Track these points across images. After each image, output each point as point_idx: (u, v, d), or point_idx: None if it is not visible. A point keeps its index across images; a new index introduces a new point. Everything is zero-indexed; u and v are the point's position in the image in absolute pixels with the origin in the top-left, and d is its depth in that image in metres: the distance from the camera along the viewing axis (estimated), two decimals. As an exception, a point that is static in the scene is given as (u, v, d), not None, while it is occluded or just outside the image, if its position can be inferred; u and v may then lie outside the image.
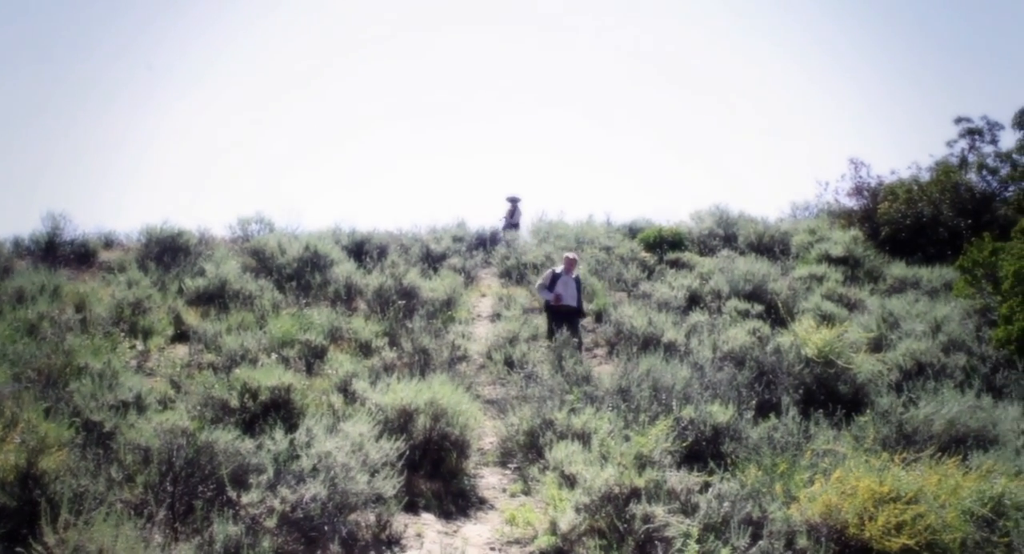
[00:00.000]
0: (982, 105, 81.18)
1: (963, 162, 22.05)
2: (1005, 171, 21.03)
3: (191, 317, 13.62)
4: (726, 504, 7.10)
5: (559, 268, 14.71)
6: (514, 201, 24.68)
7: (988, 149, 21.99)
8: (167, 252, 18.21)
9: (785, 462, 7.90)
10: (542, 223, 24.79)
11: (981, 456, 8.09)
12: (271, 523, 6.08)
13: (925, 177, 21.83)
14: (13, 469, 5.72)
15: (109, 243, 20.21)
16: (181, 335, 12.94)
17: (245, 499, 6.20)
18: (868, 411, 9.84)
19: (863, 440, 8.67)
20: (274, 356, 10.92)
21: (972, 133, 22.32)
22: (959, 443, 8.79)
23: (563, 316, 14.20)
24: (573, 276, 14.57)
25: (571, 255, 14.89)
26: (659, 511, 6.99)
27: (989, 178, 21.26)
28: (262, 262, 17.63)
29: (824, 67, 77.97)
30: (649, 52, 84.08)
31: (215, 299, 14.56)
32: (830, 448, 8.26)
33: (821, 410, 9.67)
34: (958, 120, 22.50)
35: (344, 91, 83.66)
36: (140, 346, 11.78)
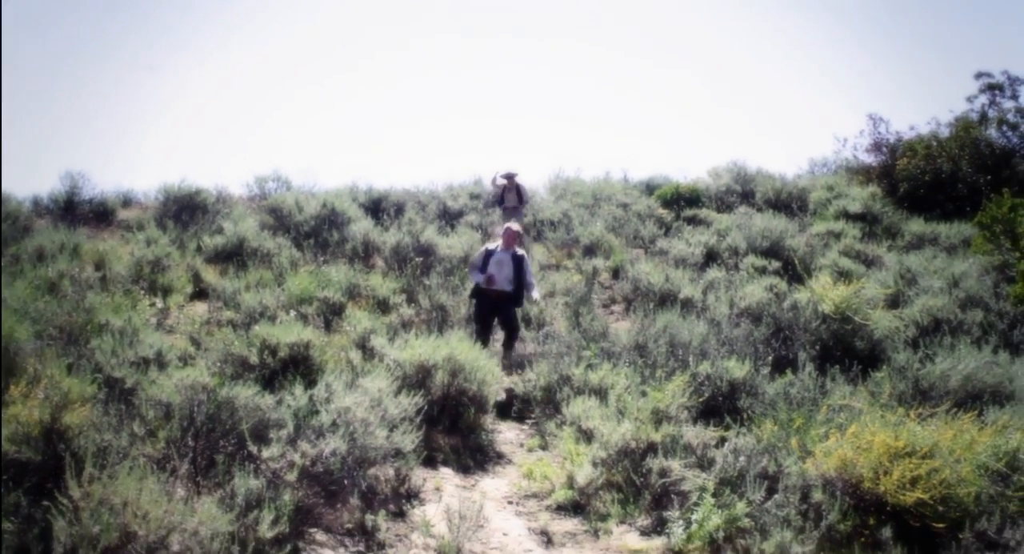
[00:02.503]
0: (1003, 60, 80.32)
1: (983, 118, 21.83)
2: (1025, 127, 20.86)
3: (210, 275, 13.69)
4: (742, 458, 7.14)
5: (494, 244, 12.31)
6: (509, 177, 19.66)
7: (1009, 104, 21.75)
8: (185, 210, 18.26)
9: (801, 417, 7.93)
10: (559, 180, 24.72)
11: (997, 411, 8.08)
12: (291, 477, 6.14)
13: (944, 133, 21.66)
14: (37, 424, 5.79)
15: (127, 202, 20.28)
16: (200, 293, 13.02)
17: (266, 453, 6.26)
18: (884, 367, 9.85)
19: (879, 395, 8.68)
20: (292, 313, 10.99)
21: (992, 88, 22.06)
22: (975, 399, 8.78)
23: (492, 303, 11.84)
24: (511, 253, 12.02)
25: (513, 226, 12.47)
26: (675, 465, 7.05)
27: (1009, 134, 21.08)
28: (280, 220, 17.67)
29: (843, 22, 77.18)
30: (667, 9, 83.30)
31: (233, 257, 14.62)
32: (846, 403, 8.27)
33: (837, 366, 9.68)
34: (978, 75, 22.24)
35: (362, 48, 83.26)
36: (160, 304, 11.85)
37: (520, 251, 12.16)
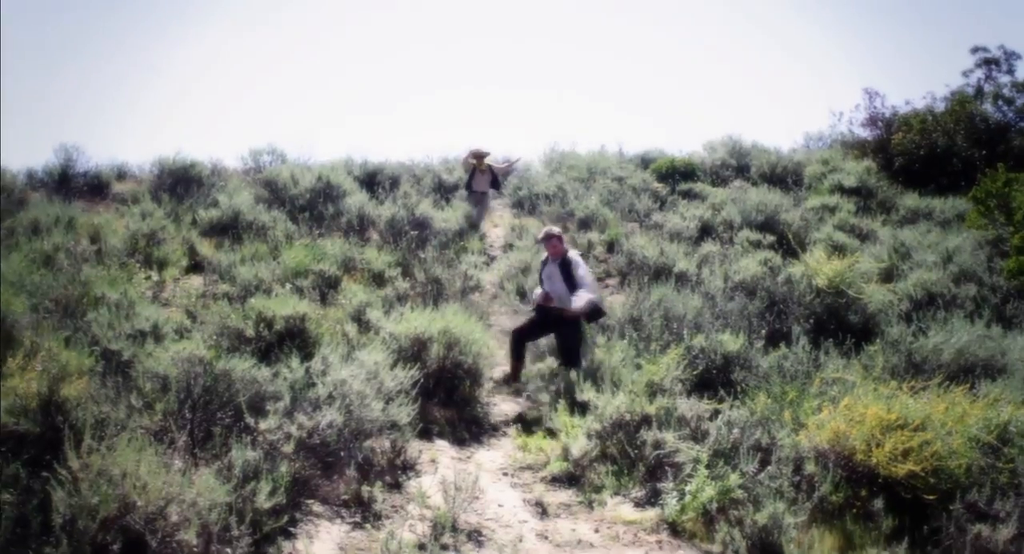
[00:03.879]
0: (1000, 35, 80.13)
1: (979, 92, 21.86)
2: (1021, 101, 20.89)
3: (205, 248, 13.68)
4: (735, 431, 7.19)
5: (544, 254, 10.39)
6: (479, 157, 17.88)
7: (1005, 79, 21.81)
8: (180, 183, 18.22)
9: (794, 390, 7.99)
10: (554, 153, 24.71)
11: (989, 385, 8.15)
12: (288, 449, 6.19)
13: (940, 108, 21.68)
14: (35, 396, 5.81)
15: (122, 175, 20.24)
16: (196, 266, 13.02)
17: (263, 425, 6.30)
18: (878, 340, 9.91)
19: (872, 369, 8.73)
20: (288, 286, 10.99)
21: (988, 63, 22.08)
22: (967, 372, 8.86)
23: (548, 321, 9.88)
24: (560, 261, 9.92)
25: (553, 230, 10.18)
26: (669, 437, 7.10)
27: (1005, 108, 21.11)
28: (275, 193, 17.64)
29: (840, -5, 76.87)
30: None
31: (229, 230, 14.60)
32: (839, 376, 8.33)
33: (831, 339, 9.75)
34: (975, 50, 22.26)
35: (357, 19, 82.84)
36: (155, 277, 11.85)
37: (571, 254, 9.96)
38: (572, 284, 9.60)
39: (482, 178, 17.99)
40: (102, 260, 11.83)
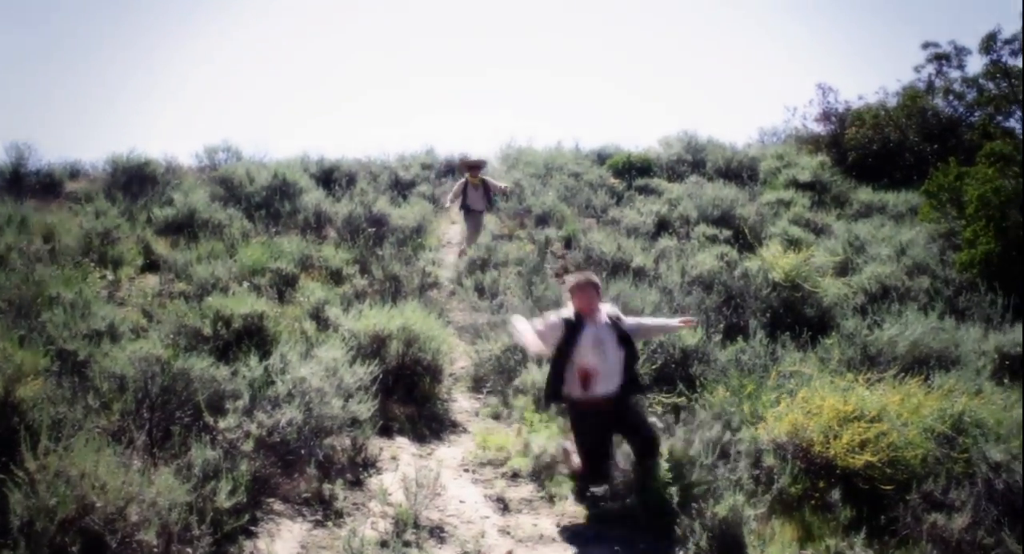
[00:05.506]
0: (951, 30, 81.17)
1: (930, 87, 22.14)
2: (971, 96, 21.17)
3: (161, 247, 13.56)
4: (695, 424, 7.25)
5: (568, 310, 6.95)
6: (474, 168, 15.82)
7: (955, 74, 22.08)
8: (134, 182, 18.04)
9: (752, 383, 8.06)
10: (511, 149, 24.71)
11: (943, 376, 8.26)
12: (248, 447, 6.15)
13: (892, 102, 21.97)
14: (-10, 397, 5.74)
15: (75, 173, 20.04)
16: (151, 265, 12.88)
17: (222, 424, 6.25)
18: (834, 333, 10.02)
19: (828, 361, 8.84)
20: (245, 284, 10.91)
21: (939, 58, 22.34)
22: (922, 364, 8.97)
23: (604, 415, 6.67)
24: (609, 319, 6.80)
25: (590, 278, 7.05)
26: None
27: (955, 103, 21.41)
28: (230, 191, 17.52)
29: (793, -9, 77.47)
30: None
31: (184, 228, 14.48)
32: (796, 369, 8.40)
33: (788, 333, 9.83)
34: (925, 45, 22.51)
35: (310, 18, 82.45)
36: (110, 276, 11.71)
37: (612, 311, 6.96)
38: (634, 359, 6.96)
39: (476, 195, 15.38)
40: (56, 259, 11.69)
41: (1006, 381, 8.57)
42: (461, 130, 70.95)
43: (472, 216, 15.53)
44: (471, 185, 15.35)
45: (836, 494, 6.41)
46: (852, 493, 6.47)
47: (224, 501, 5.38)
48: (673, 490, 6.40)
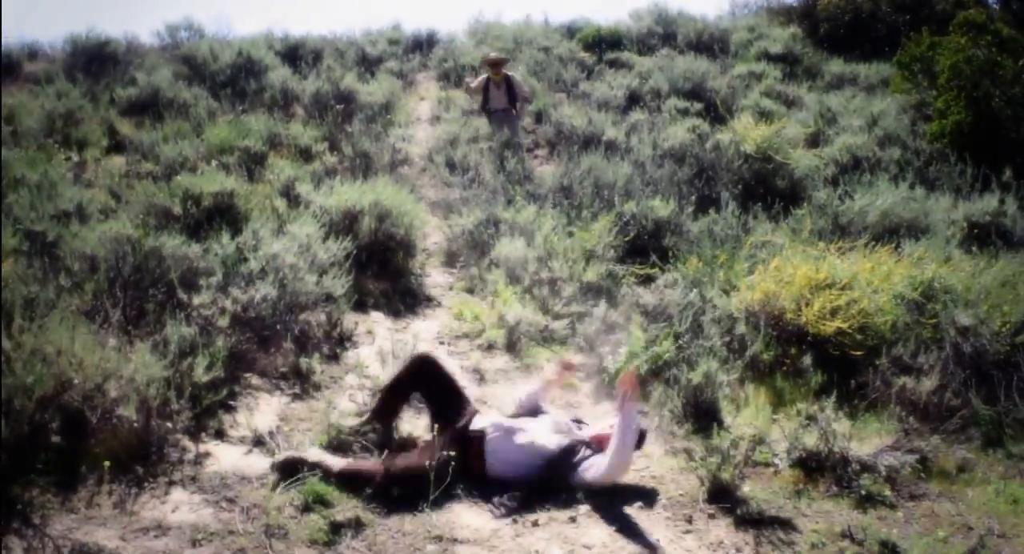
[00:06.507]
0: None
1: (902, -44, 21.78)
2: (945, -35, 20.85)
3: (125, 127, 13.31)
4: (668, 293, 7.30)
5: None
6: (495, 64, 13.81)
7: (927, -58, 21.69)
8: (94, 62, 17.56)
9: (725, 254, 8.10)
10: (479, 24, 24.23)
11: (913, 245, 8.33)
12: (223, 323, 6.15)
13: (865, -28, 21.59)
14: (-41, 278, 5.69)
15: (33, 54, 19.50)
16: (116, 146, 12.66)
17: (196, 301, 6.24)
18: (805, 204, 10.06)
19: (800, 232, 8.88)
20: (214, 163, 10.77)
21: (914, -78, 21.94)
22: (892, 233, 9.03)
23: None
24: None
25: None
26: (603, 303, 7.19)
27: (929, -28, 21.08)
28: (194, 70, 17.12)
29: None
30: None
31: (148, 108, 14.18)
32: (768, 239, 8.46)
33: (759, 204, 9.87)
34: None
35: None
36: (75, 158, 11.53)
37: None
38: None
39: (498, 93, 13.78)
40: (19, 142, 11.47)
41: (975, 249, 8.63)
42: (427, 4, 69.45)
43: (496, 117, 13.90)
44: (493, 83, 13.78)
45: (807, 360, 6.52)
46: (823, 359, 6.57)
47: (201, 376, 5.40)
48: (647, 358, 6.48)
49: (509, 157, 12.14)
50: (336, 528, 4.48)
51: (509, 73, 13.91)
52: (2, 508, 4.28)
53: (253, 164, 11.36)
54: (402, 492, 4.75)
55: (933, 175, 11.43)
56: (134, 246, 6.69)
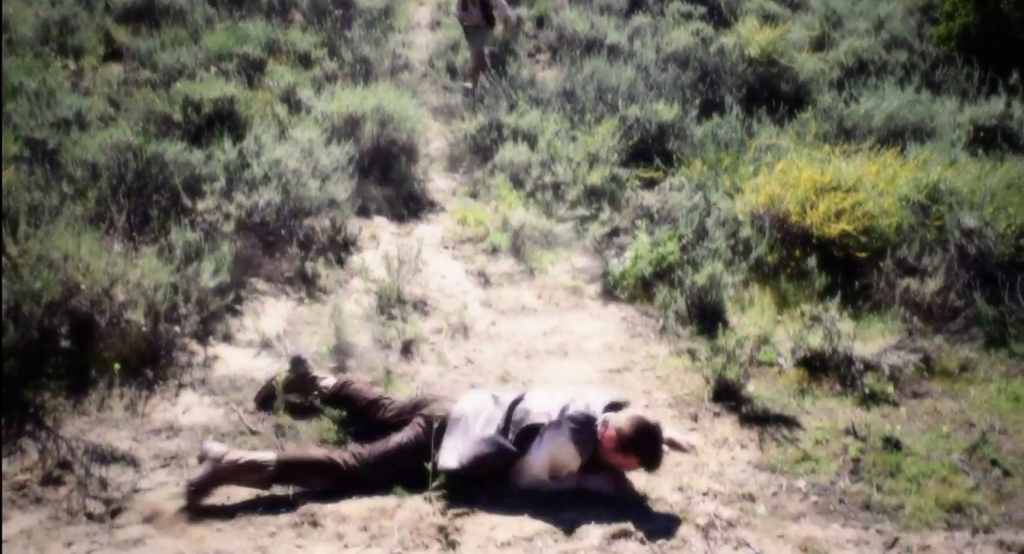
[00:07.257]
0: None
1: None
2: None
3: (122, 35, 13.11)
4: (673, 196, 7.29)
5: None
6: None
7: None
8: (87, -32, 17.27)
9: (730, 157, 8.06)
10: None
11: (918, 148, 8.29)
12: (228, 229, 6.15)
13: None
14: (-38, 183, 5.66)
15: (23, -39, 19.17)
16: (114, 53, 12.47)
17: (200, 206, 6.24)
18: (810, 108, 9.97)
19: (805, 135, 8.82)
20: (213, 70, 10.65)
21: None
22: (898, 136, 8.98)
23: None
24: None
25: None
26: (607, 206, 7.19)
27: None
28: (189, -25, 16.83)
29: None
30: None
31: (145, 15, 13.94)
32: (773, 142, 8.41)
33: (764, 108, 9.77)
34: None
35: None
36: (72, 66, 11.39)
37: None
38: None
39: (473, 9, 12.06)
40: (14, 50, 11.32)
41: (980, 152, 8.58)
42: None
43: (468, 35, 12.54)
44: None
45: (812, 262, 6.53)
46: (827, 261, 6.59)
47: (208, 281, 5.43)
48: (651, 259, 6.50)
49: (511, 62, 11.97)
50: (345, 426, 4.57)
51: None
52: (15, 412, 4.33)
53: (252, 71, 11.22)
54: None
55: (939, 78, 11.32)
56: (136, 153, 6.66)
